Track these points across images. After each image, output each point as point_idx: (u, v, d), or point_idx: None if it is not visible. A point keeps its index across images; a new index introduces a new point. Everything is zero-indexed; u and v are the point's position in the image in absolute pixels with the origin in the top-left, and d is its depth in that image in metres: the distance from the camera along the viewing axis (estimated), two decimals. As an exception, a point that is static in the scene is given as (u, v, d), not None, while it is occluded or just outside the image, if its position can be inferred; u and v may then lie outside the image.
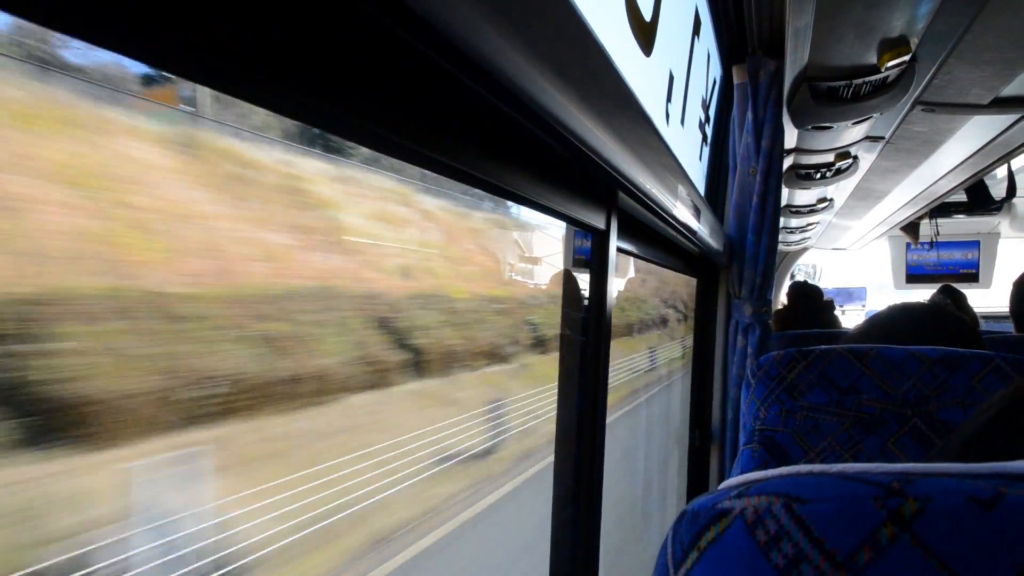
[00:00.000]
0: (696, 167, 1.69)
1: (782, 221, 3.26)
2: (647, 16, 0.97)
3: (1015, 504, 0.24)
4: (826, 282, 7.38)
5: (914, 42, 1.34)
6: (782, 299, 3.62)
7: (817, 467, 0.29)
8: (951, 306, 2.23)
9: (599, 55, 0.59)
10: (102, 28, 0.28)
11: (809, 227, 3.49)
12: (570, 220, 0.74)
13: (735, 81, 1.76)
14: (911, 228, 3.60)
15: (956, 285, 3.91)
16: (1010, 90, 1.51)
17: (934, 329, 1.13)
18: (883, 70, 1.42)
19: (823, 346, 1.05)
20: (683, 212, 0.99)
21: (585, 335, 0.83)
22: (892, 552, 0.24)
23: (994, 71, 1.41)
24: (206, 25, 0.31)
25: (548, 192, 0.67)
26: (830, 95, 1.57)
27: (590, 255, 0.85)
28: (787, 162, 2.25)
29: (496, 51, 0.41)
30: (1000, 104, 1.59)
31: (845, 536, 0.25)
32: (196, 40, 0.31)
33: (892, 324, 1.16)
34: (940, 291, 3.00)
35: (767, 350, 1.77)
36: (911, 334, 1.10)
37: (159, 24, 0.30)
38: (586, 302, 0.84)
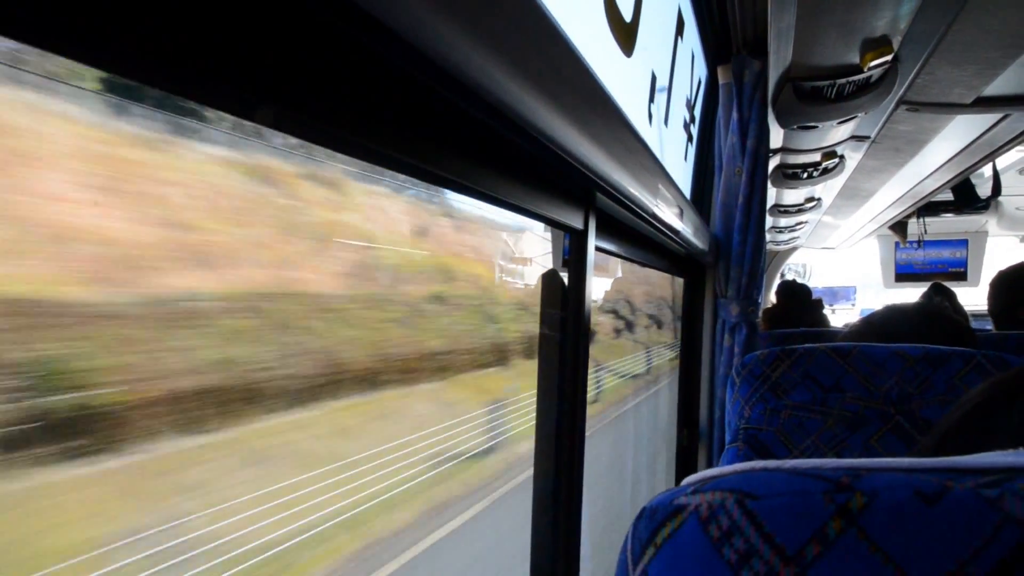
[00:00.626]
0: (681, 167, 1.70)
1: (771, 221, 3.27)
2: (627, 17, 0.98)
3: (959, 498, 0.24)
4: (815, 281, 7.39)
5: (896, 42, 1.35)
6: (772, 299, 3.64)
7: (772, 463, 0.29)
8: (948, 308, 2.24)
9: (571, 57, 0.59)
10: (84, 43, 0.28)
11: (798, 226, 3.51)
12: (547, 221, 0.74)
13: (720, 81, 1.76)
14: (899, 227, 3.62)
15: (945, 283, 3.95)
16: (992, 89, 1.52)
17: (930, 329, 1.13)
18: (866, 70, 1.43)
19: (807, 345, 1.05)
20: (664, 212, 1.00)
21: (564, 335, 0.83)
22: (839, 546, 0.24)
23: (976, 70, 1.42)
24: (188, 37, 0.32)
25: (523, 194, 0.67)
26: (814, 95, 1.58)
27: (568, 255, 0.85)
28: (774, 162, 2.26)
29: (465, 57, 0.41)
30: (983, 103, 1.61)
31: (794, 531, 0.25)
32: (183, 53, 0.32)
33: (888, 324, 1.17)
34: (931, 289, 3.02)
35: (754, 349, 1.77)
36: (907, 334, 1.10)
37: (147, 38, 0.30)
38: (564, 302, 0.84)
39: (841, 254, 5.01)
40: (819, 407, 1.02)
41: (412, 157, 0.49)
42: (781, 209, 3.03)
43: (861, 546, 0.24)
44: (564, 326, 0.83)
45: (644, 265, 1.44)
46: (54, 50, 0.28)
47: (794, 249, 4.48)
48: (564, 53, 0.57)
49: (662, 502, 0.29)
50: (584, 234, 0.82)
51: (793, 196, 2.84)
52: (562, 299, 0.84)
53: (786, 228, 3.53)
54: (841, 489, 0.26)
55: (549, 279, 0.86)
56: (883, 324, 1.17)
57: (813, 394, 1.03)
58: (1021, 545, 0.22)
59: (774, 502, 0.26)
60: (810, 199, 2.93)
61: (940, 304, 2.54)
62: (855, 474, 0.26)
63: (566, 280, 0.86)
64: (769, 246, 3.96)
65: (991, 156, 2.09)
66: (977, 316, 4.64)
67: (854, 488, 0.25)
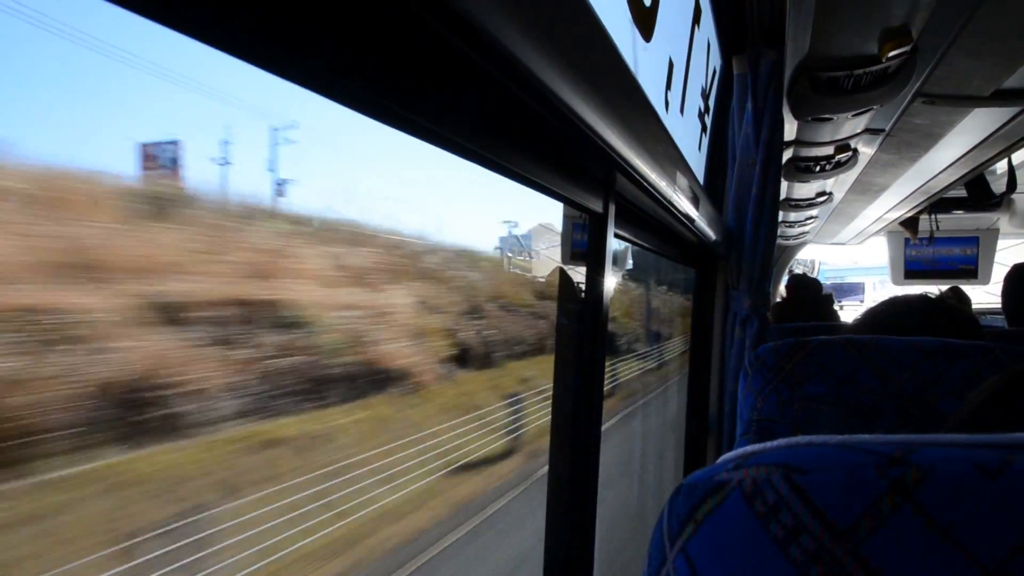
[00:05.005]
0: (695, 156, 1.68)
1: (780, 215, 3.25)
2: (647, 1, 0.96)
3: (1022, 472, 0.23)
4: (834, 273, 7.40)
5: (915, 32, 1.33)
6: (782, 292, 3.61)
7: (817, 438, 0.28)
8: (952, 298, 2.22)
9: (601, 37, 0.58)
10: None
11: (808, 221, 3.49)
12: (568, 202, 0.73)
13: (735, 72, 1.74)
14: (910, 223, 3.59)
15: (954, 281, 3.91)
16: (1011, 82, 1.50)
17: (933, 320, 1.12)
18: (884, 60, 1.42)
19: (822, 336, 1.04)
20: (681, 199, 0.99)
21: (581, 324, 0.82)
22: (894, 521, 0.23)
23: (996, 62, 1.41)
24: None
25: (547, 172, 0.66)
26: (830, 85, 1.57)
27: (587, 241, 0.84)
28: (787, 155, 2.24)
29: (497, 27, 0.40)
30: (1001, 96, 1.59)
31: (846, 506, 0.24)
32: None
33: (891, 316, 1.16)
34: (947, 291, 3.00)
35: (765, 343, 1.76)
36: (911, 327, 1.09)
37: None
38: (582, 290, 0.83)
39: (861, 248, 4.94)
40: (833, 399, 1.01)
41: (444, 128, 0.49)
42: (792, 203, 3.01)
43: (917, 522, 0.23)
44: (581, 315, 0.82)
45: (658, 254, 1.43)
46: None
47: (803, 244, 4.45)
48: (594, 31, 0.56)
49: (701, 478, 0.28)
50: (604, 218, 0.81)
51: (804, 190, 2.82)
52: (579, 288, 0.83)
53: (796, 223, 3.51)
54: (895, 463, 0.25)
55: (563, 271, 0.85)
56: (887, 316, 1.16)
57: (827, 386, 1.02)
58: None
59: (823, 476, 0.25)
60: (821, 193, 2.91)
61: (944, 295, 2.52)
62: (908, 448, 0.25)
63: (576, 272, 0.86)
64: (778, 240, 3.94)
65: (1007, 151, 2.07)
66: (987, 313, 4.60)
67: (909, 462, 0.24)
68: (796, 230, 3.75)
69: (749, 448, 0.29)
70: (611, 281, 0.85)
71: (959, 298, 2.77)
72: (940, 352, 0.96)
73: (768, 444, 0.29)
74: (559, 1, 0.49)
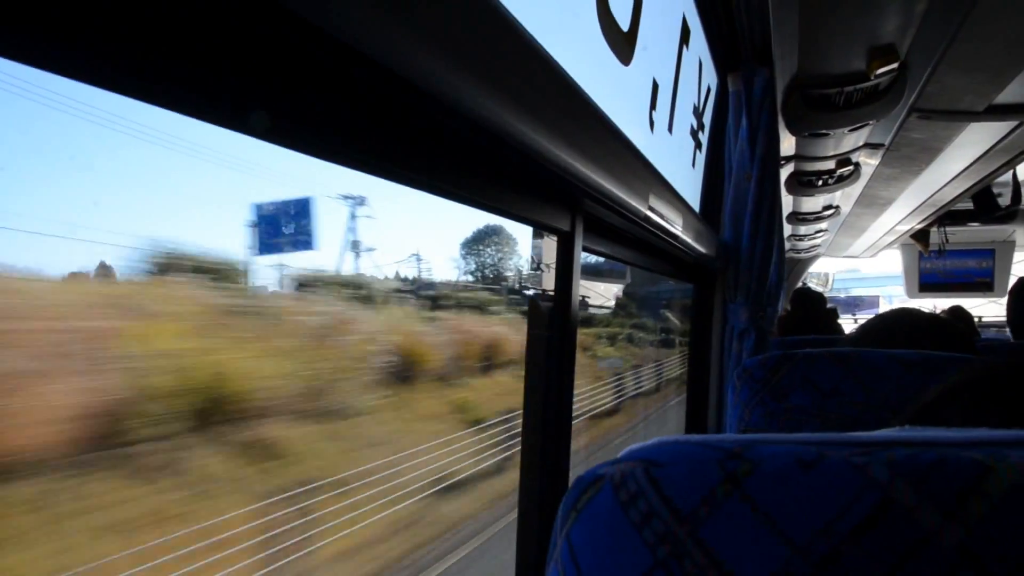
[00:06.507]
0: (688, 173, 1.71)
1: (790, 229, 3.25)
2: (624, 26, 1.00)
3: (832, 464, 0.27)
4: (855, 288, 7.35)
5: (903, 49, 1.35)
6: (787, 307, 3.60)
7: (685, 436, 0.32)
8: (946, 315, 2.22)
9: (552, 74, 0.61)
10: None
11: (817, 234, 3.48)
12: (533, 223, 0.77)
13: (731, 89, 1.77)
14: (921, 236, 3.57)
15: (970, 293, 3.85)
16: (1004, 97, 1.51)
17: (925, 334, 1.13)
18: (873, 77, 1.43)
19: (807, 349, 1.06)
20: (658, 217, 1.01)
21: (550, 335, 0.85)
22: (725, 507, 0.27)
23: (986, 78, 1.42)
24: (189, 54, 0.35)
25: (509, 198, 0.69)
26: (823, 102, 1.58)
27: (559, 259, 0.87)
28: (789, 169, 2.25)
29: (448, 83, 0.45)
30: (995, 111, 1.59)
31: (689, 494, 0.28)
32: (182, 74, 0.35)
33: (884, 330, 1.17)
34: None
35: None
36: (903, 340, 1.11)
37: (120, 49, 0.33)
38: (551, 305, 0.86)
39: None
40: (817, 411, 1.03)
41: (403, 167, 0.53)
42: (799, 217, 3.01)
43: (744, 507, 0.27)
44: (550, 334, 0.85)
45: (648, 270, 1.46)
46: (42, 66, 0.31)
47: (815, 257, 4.43)
48: (544, 70, 0.59)
49: (587, 474, 0.32)
50: (571, 236, 0.84)
51: (811, 203, 2.82)
52: (550, 301, 0.86)
53: (805, 236, 3.50)
54: (733, 457, 0.29)
55: (541, 283, 0.88)
56: (879, 330, 1.18)
57: (812, 399, 1.03)
58: (879, 505, 0.25)
59: (674, 469, 0.29)
60: (828, 207, 2.91)
61: (939, 313, 2.52)
62: (747, 445, 0.29)
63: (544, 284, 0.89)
64: (789, 254, 3.92)
65: (1010, 164, 2.06)
66: (997, 326, 4.53)
67: (744, 456, 0.28)
68: (807, 243, 3.74)
69: (633, 447, 0.33)
70: (580, 297, 0.88)
71: (955, 315, 2.77)
72: (921, 364, 0.97)
73: (643, 443, 0.33)
74: (514, 49, 0.52)
